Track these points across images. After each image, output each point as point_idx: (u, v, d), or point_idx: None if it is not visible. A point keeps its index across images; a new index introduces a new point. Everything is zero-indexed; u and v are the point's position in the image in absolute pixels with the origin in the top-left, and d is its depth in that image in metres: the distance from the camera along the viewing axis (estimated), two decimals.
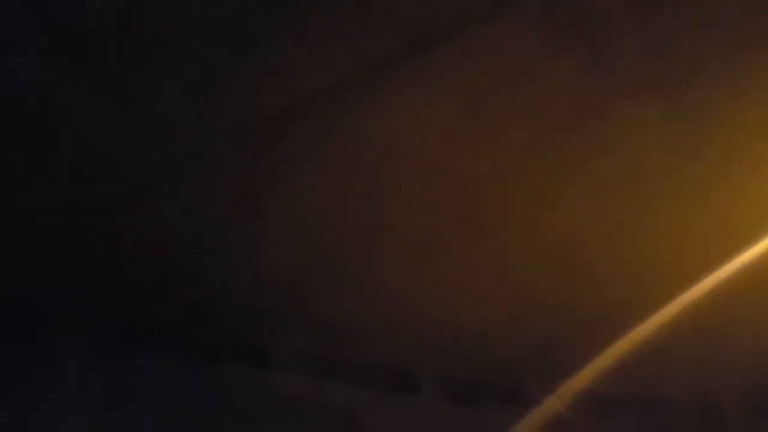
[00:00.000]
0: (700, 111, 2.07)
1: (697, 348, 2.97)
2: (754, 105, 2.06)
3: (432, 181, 2.18)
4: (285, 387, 2.78)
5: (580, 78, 1.89)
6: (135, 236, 2.16)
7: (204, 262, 2.33)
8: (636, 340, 2.87)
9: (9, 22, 1.50)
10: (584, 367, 3.12)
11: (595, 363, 3.01)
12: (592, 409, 3.19)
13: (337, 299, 2.63)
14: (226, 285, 2.46)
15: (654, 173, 2.24)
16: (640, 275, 2.67)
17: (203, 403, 2.54)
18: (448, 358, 3.30)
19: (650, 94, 2.00)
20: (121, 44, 1.60)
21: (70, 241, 2.10)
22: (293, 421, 2.74)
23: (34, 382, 2.22)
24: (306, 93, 1.83)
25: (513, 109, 1.98)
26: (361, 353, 3.02)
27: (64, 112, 1.73)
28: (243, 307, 2.59)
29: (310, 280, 2.52)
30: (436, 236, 2.38)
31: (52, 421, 2.19)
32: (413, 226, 2.33)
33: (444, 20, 1.73)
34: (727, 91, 2.02)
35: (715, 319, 2.73)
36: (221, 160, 1.99)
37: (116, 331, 2.42)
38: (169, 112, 1.81)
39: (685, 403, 3.94)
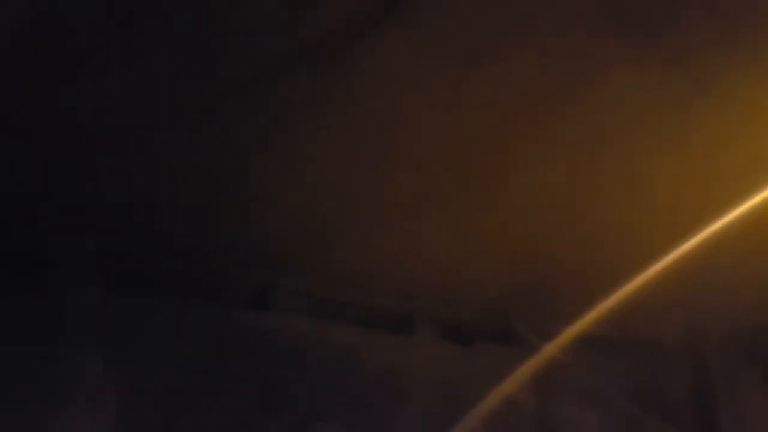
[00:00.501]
0: (699, 65, 2.08)
1: (686, 294, 3.04)
2: (756, 60, 2.07)
3: (428, 134, 2.22)
4: (286, 327, 2.88)
5: (579, 35, 1.90)
6: (142, 185, 2.21)
7: (208, 210, 2.39)
8: (625, 287, 2.94)
9: None
10: (573, 311, 3.21)
11: (584, 307, 3.09)
12: (581, 351, 3.30)
13: (337, 245, 2.71)
14: (231, 231, 2.54)
15: (649, 127, 2.26)
16: (631, 224, 2.73)
17: (208, 343, 2.63)
18: (443, 302, 3.40)
19: (650, 49, 2.01)
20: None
21: (78, 190, 2.16)
22: (293, 360, 2.85)
23: (43, 325, 2.29)
24: (303, 48, 1.85)
25: (510, 65, 2.00)
26: (360, 297, 3.12)
27: (68, 63, 1.75)
28: (246, 251, 2.67)
29: (311, 227, 2.59)
30: (433, 187, 2.44)
31: (59, 364, 2.28)
32: (410, 176, 2.39)
33: None
34: (728, 44, 2.03)
35: (704, 267, 2.79)
36: (222, 112, 2.03)
37: (123, 275, 2.49)
38: (171, 64, 1.83)
39: (673, 346, 4.06)
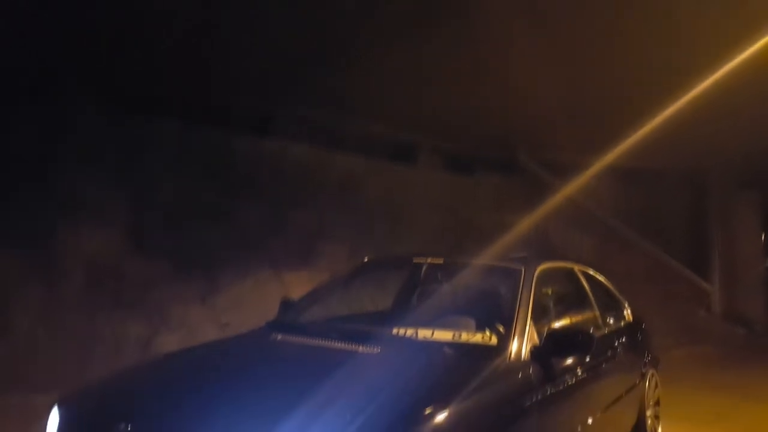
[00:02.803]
0: None
1: (688, 128, 3.02)
2: None
3: None
4: (287, 153, 2.95)
5: None
6: (156, 14, 2.15)
7: (214, 39, 2.36)
8: (629, 120, 2.93)
9: None
10: (575, 143, 3.22)
11: (586, 139, 3.10)
12: (582, 180, 3.35)
13: (338, 74, 2.68)
14: (234, 58, 2.52)
15: None
16: (639, 61, 2.65)
17: (211, 166, 2.71)
18: (445, 133, 3.41)
19: None
20: None
21: (94, 18, 2.12)
22: (294, 184, 2.95)
23: (51, 142, 2.36)
24: None
25: None
26: (362, 126, 3.13)
27: None
28: (249, 79, 2.66)
29: (312, 55, 2.55)
30: (435, 13, 2.33)
31: (70, 179, 2.37)
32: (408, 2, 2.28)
33: None
34: None
35: (706, 104, 2.74)
36: None
37: (129, 99, 2.52)
38: None
39: (673, 174, 4.11)
